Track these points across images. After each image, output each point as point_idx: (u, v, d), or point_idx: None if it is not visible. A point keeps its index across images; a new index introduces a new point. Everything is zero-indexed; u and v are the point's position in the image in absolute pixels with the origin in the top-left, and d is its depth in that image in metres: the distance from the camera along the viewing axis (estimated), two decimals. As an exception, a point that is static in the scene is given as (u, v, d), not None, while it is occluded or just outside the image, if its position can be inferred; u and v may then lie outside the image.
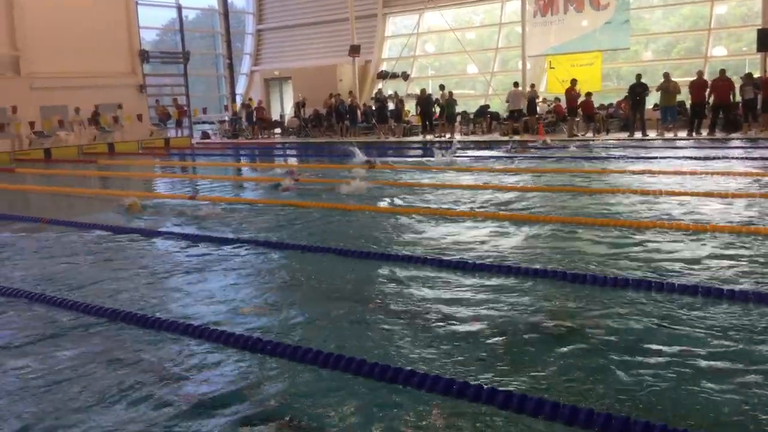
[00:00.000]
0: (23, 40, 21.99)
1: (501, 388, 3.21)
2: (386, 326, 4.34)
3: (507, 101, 21.57)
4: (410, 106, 25.15)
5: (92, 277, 5.87)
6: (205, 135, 27.97)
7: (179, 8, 27.59)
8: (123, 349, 4.10)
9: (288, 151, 21.45)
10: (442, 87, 22.66)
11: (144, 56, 25.75)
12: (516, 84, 21.64)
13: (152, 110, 26.35)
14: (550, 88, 23.26)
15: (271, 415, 3.18)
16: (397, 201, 9.45)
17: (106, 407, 3.32)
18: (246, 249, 6.72)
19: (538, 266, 5.50)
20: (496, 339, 4.03)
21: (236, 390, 3.45)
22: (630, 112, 19.48)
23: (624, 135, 19.38)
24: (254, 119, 26.51)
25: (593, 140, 18.61)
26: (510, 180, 11.27)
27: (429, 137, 22.17)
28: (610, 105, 21.58)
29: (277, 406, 3.25)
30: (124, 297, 5.21)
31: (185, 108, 26.93)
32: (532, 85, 22.31)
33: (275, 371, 3.69)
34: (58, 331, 4.48)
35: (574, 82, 20.21)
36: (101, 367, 3.83)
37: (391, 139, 22.87)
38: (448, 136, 21.99)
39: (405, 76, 27.29)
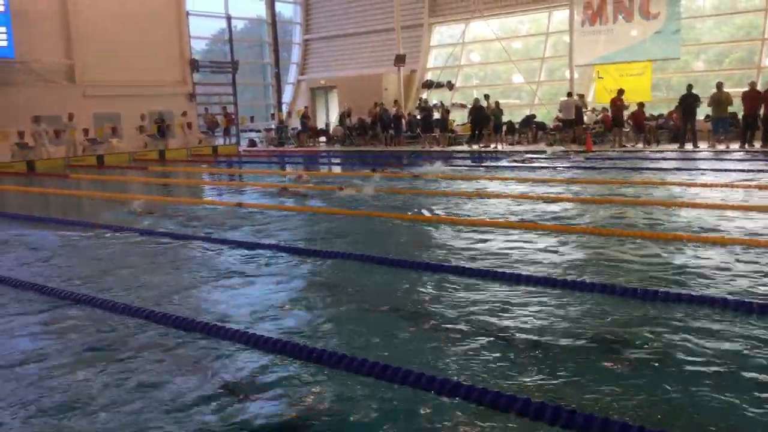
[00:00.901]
0: (78, 49, 22.67)
1: (550, 403, 3.19)
2: (427, 336, 4.34)
3: (559, 111, 21.40)
4: (455, 116, 25.12)
5: (144, 282, 6.02)
6: (251, 143, 28.37)
7: (229, 18, 28.10)
8: (171, 352, 4.20)
9: (333, 160, 21.62)
10: (486, 96, 22.57)
11: (194, 65, 26.29)
12: (569, 94, 21.43)
13: (201, 118, 26.88)
14: (598, 98, 22.98)
15: (310, 420, 3.22)
16: (435, 210, 9.45)
17: (157, 408, 3.40)
18: (286, 256, 6.81)
19: (585, 279, 5.44)
20: (540, 351, 4.00)
21: (280, 395, 3.50)
22: (681, 123, 19.10)
23: (674, 146, 19.02)
24: (308, 128, 26.90)
25: (642, 150, 18.31)
26: (555, 190, 11.17)
27: (475, 147, 22.10)
28: (660, 115, 21.20)
29: (317, 412, 3.29)
30: (170, 300, 5.33)
31: (233, 116, 27.40)
32: (581, 95, 22.09)
33: (314, 377, 3.73)
34: (117, 336, 4.61)
35: (620, 92, 19.93)
36: (157, 370, 3.92)
37: (436, 148, 22.86)
38: (493, 146, 21.89)
39: (450, 86, 27.26)
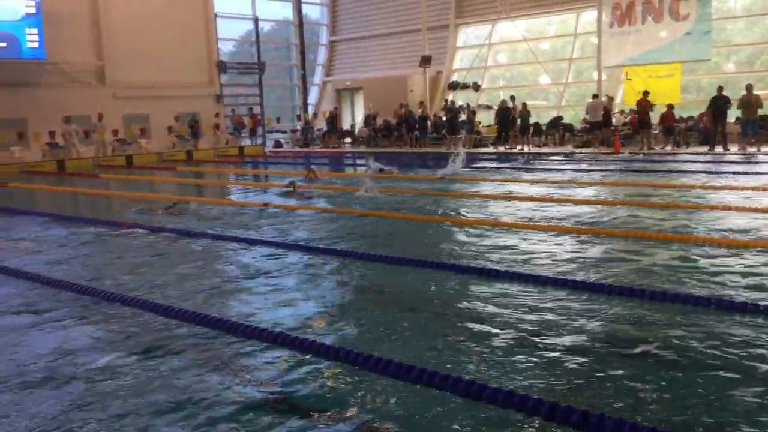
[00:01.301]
0: (108, 50, 22.98)
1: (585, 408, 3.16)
2: (463, 339, 4.33)
3: (586, 112, 21.23)
4: (481, 117, 25.03)
5: (171, 281, 6.08)
6: (277, 144, 28.55)
7: (256, 20, 28.29)
8: (207, 352, 4.23)
9: (358, 161, 21.65)
10: (512, 98, 22.46)
11: (221, 67, 26.52)
12: (595, 95, 21.24)
13: (227, 119, 27.11)
14: (627, 100, 22.74)
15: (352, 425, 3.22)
16: (466, 212, 9.42)
17: (191, 407, 3.43)
18: (313, 256, 6.84)
19: (613, 282, 5.39)
20: (573, 357, 3.96)
21: (320, 396, 3.51)
22: (711, 126, 18.83)
23: (704, 149, 18.75)
24: (336, 129, 27.02)
25: (671, 153, 18.09)
26: (582, 192, 11.08)
27: (501, 148, 21.99)
28: (690, 118, 20.92)
29: (356, 417, 3.30)
30: (198, 299, 5.38)
31: (259, 117, 27.61)
32: (610, 97, 21.88)
33: (351, 381, 3.73)
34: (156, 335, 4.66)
35: (645, 93, 19.69)
36: (190, 371, 3.96)
37: (461, 149, 22.74)
38: (519, 147, 21.78)
39: (476, 87, 27.18)
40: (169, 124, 24.15)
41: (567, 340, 4.19)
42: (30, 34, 20.73)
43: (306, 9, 31.62)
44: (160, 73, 23.72)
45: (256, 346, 4.24)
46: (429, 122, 24.80)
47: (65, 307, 5.33)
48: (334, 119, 27.25)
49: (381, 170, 15.07)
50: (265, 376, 3.80)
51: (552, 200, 10.27)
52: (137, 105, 23.40)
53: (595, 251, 6.70)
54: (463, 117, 24.00)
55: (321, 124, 28.83)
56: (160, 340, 4.45)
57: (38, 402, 3.57)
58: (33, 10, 20.73)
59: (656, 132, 20.18)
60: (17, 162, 20.12)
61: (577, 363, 3.84)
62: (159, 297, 5.45)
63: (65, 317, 5.07)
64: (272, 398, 3.51)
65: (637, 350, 4.01)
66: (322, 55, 32.92)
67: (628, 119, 21.53)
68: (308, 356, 4.04)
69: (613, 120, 21.44)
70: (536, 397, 3.24)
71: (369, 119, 26.47)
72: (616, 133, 20.64)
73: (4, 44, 20.25)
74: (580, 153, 19.36)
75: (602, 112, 20.73)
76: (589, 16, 24.71)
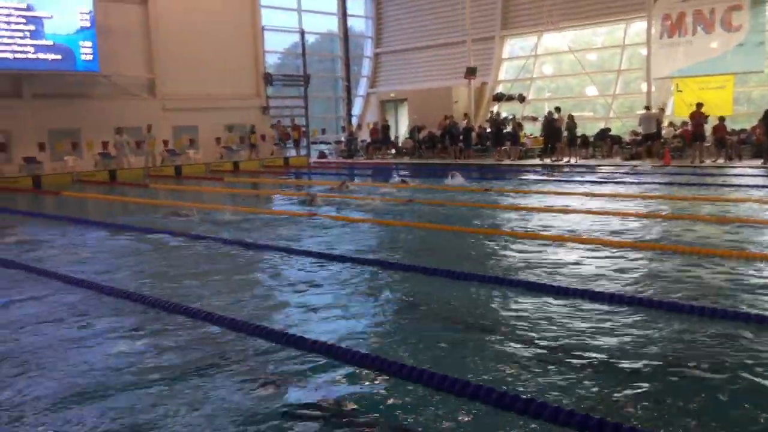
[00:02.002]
0: (158, 63, 23.52)
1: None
2: (511, 353, 4.27)
3: (639, 124, 20.91)
4: (526, 129, 24.81)
5: (221, 289, 6.15)
6: (321, 155, 28.76)
7: (302, 33, 28.66)
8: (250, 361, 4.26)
9: (401, 172, 21.65)
10: (558, 109, 22.21)
11: (268, 79, 26.88)
12: (647, 107, 20.88)
13: (273, 130, 27.40)
14: (677, 112, 22.30)
15: None
16: (514, 225, 9.33)
17: (234, 411, 3.45)
18: (357, 267, 6.84)
19: (665, 298, 5.26)
20: (624, 375, 3.87)
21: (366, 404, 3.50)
22: (765, 138, 18.33)
23: (758, 162, 18.25)
24: (387, 140, 27.15)
25: (723, 166, 17.66)
26: (633, 205, 10.88)
27: (547, 160, 21.78)
28: (742, 130, 20.40)
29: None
30: (244, 308, 5.42)
31: (304, 129, 27.87)
32: (661, 109, 21.50)
33: (397, 392, 3.71)
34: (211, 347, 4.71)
35: (699, 105, 19.27)
36: (231, 376, 3.98)
37: (506, 161, 22.62)
38: (566, 159, 21.52)
39: (521, 98, 26.98)
40: (216, 135, 24.57)
41: (617, 357, 4.10)
42: (84, 47, 21.32)
43: (351, 21, 31.89)
44: (208, 85, 24.19)
45: (309, 359, 4.25)
46: (474, 134, 24.68)
47: (118, 316, 5.42)
48: (386, 130, 27.39)
49: (403, 181, 16.47)
50: (320, 389, 3.80)
51: (602, 213, 10.09)
52: (186, 117, 23.88)
53: (643, 266, 6.55)
54: (508, 128, 23.83)
55: (365, 136, 28.96)
56: (211, 351, 4.49)
57: (92, 413, 3.63)
58: (87, 24, 21.32)
59: (708, 144, 19.72)
60: (70, 171, 20.67)
61: (637, 383, 3.75)
62: (208, 306, 5.51)
63: (118, 327, 5.15)
64: (324, 410, 3.50)
65: (693, 370, 3.90)
66: (366, 67, 33.12)
67: (678, 131, 21.10)
68: (363, 371, 4.04)
69: (663, 132, 21.02)
70: (598, 417, 3.17)
71: (415, 131, 26.40)
72: (666, 145, 20.24)
73: (59, 57, 20.86)
74: (629, 165, 19.03)
75: (655, 124, 20.37)
76: (637, 27, 24.32)
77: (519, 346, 4.39)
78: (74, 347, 4.70)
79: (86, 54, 21.38)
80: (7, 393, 3.88)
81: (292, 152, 27.32)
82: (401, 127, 29.70)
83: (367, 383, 3.86)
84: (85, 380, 4.04)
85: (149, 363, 4.29)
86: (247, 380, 3.93)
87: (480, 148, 24.67)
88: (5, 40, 19.86)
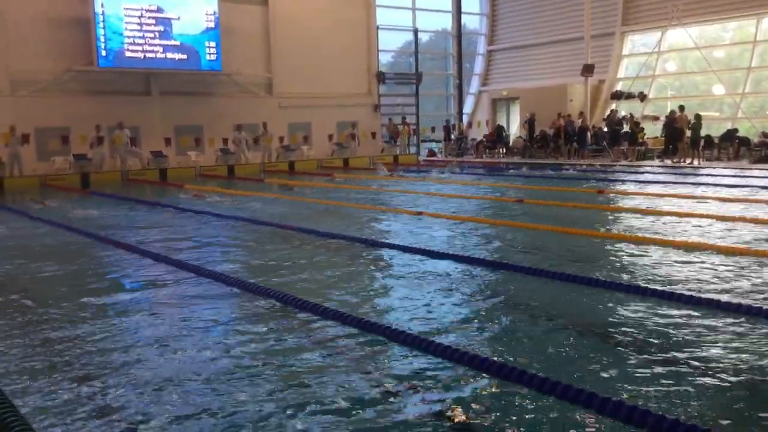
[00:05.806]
0: (276, 63, 24.33)
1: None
2: (614, 358, 4.10)
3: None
4: (647, 128, 23.76)
5: (323, 281, 6.27)
6: (431, 153, 28.78)
7: (415, 32, 28.77)
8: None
9: (511, 171, 21.31)
10: (681, 108, 21.12)
11: (380, 78, 27.20)
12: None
13: (383, 128, 27.73)
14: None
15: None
16: (625, 227, 8.97)
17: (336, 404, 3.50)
18: (463, 266, 6.78)
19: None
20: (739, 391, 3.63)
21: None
22: None
23: None
24: (502, 139, 26.92)
25: None
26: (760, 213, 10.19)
27: (668, 162, 20.80)
28: None
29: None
30: (348, 301, 5.50)
31: (414, 127, 27.96)
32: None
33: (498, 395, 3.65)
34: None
35: None
36: (341, 368, 4.05)
37: (623, 162, 21.78)
38: (689, 161, 20.46)
39: (642, 97, 25.85)
40: (329, 132, 25.15)
41: (732, 370, 3.85)
42: (209, 47, 22.34)
43: (465, 19, 31.71)
44: (323, 83, 24.85)
45: (414, 354, 4.26)
46: (589, 133, 23.91)
47: (239, 306, 5.65)
48: (500, 129, 27.09)
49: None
50: (433, 392, 3.80)
51: (733, 219, 9.52)
52: (301, 114, 24.64)
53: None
54: (626, 128, 22.91)
55: (475, 134, 28.71)
56: (320, 340, 4.60)
57: (218, 398, 3.79)
58: (212, 25, 22.33)
59: None
60: (193, 165, 21.75)
61: (747, 399, 3.51)
62: (316, 298, 5.64)
63: (243, 317, 5.36)
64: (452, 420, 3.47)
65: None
66: (479, 64, 32.79)
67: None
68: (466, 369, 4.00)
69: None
70: None
71: (529, 125, 25.62)
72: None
73: (185, 56, 21.96)
74: (758, 169, 17.84)
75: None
76: (771, 21, 22.77)
77: (639, 355, 4.21)
78: (204, 333, 4.95)
79: (210, 54, 22.39)
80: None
81: (402, 150, 27.47)
82: (512, 126, 29.24)
83: (505, 393, 3.77)
84: (214, 365, 4.28)
85: (278, 346, 4.43)
86: (359, 372, 3.99)
87: (595, 148, 23.87)
88: (137, 41, 21.13)
